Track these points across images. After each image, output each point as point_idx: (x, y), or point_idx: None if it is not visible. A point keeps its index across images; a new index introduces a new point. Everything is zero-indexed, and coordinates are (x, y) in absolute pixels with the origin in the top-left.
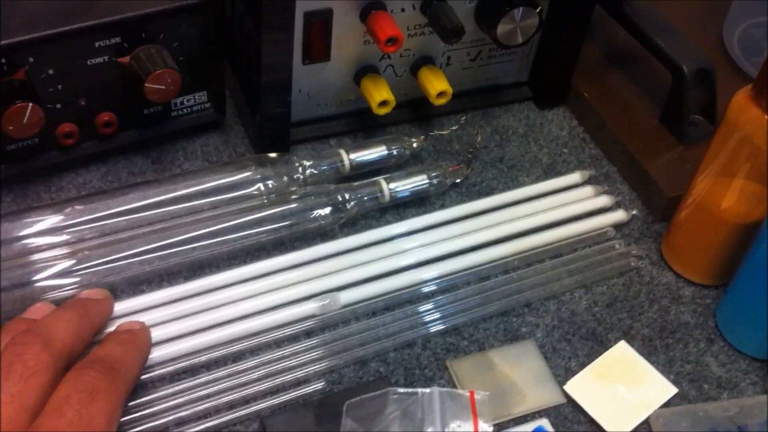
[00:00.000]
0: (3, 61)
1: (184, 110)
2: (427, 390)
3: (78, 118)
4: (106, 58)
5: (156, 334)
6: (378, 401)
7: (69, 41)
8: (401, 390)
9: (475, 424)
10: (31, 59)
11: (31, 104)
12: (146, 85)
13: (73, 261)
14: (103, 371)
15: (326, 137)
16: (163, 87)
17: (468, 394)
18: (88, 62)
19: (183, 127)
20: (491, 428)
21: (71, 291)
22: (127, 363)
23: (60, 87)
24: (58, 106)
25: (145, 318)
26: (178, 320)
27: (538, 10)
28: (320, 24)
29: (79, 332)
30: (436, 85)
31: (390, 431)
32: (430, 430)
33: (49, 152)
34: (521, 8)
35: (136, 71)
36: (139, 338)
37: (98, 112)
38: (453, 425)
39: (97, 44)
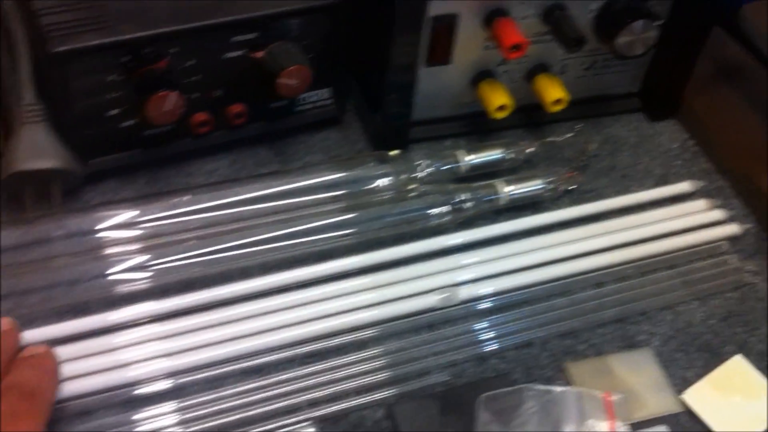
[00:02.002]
0: (149, 50)
1: (308, 105)
2: (563, 389)
3: (212, 108)
4: (241, 52)
5: (286, 317)
6: (515, 396)
7: (209, 35)
8: (538, 387)
9: (612, 425)
10: (174, 50)
11: (174, 92)
12: (279, 80)
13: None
14: (22, 395)
15: (440, 138)
16: (295, 82)
17: (602, 395)
18: (225, 55)
19: (306, 121)
20: (627, 429)
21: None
22: (42, 386)
23: (198, 78)
24: (195, 95)
25: (288, 298)
26: (306, 305)
27: (658, 23)
28: (446, 28)
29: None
30: (553, 92)
31: (528, 427)
32: (567, 428)
33: (183, 139)
34: (642, 21)
35: (270, 66)
36: (48, 361)
37: (230, 104)
38: (589, 424)
39: (234, 39)
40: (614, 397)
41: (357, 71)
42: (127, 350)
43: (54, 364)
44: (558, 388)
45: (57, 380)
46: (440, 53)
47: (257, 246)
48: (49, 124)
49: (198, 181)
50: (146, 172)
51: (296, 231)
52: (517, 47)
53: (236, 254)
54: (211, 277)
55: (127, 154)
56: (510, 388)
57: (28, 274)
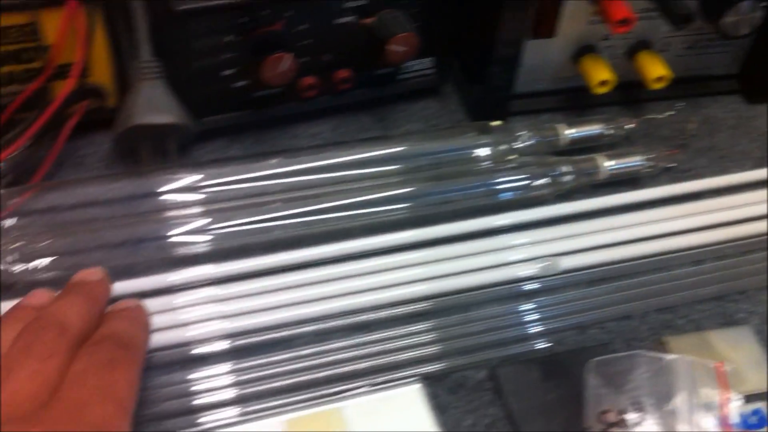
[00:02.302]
0: (266, 12)
1: (411, 74)
2: (674, 356)
3: (319, 72)
4: (352, 18)
5: (404, 274)
6: (627, 361)
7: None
8: (649, 353)
9: (726, 393)
10: (289, 13)
11: (288, 54)
12: (388, 46)
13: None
14: (117, 345)
15: (539, 112)
16: (403, 49)
17: (714, 364)
18: (337, 21)
19: (407, 90)
20: (741, 399)
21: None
22: (135, 338)
23: (309, 42)
24: (305, 59)
25: (380, 262)
26: (408, 268)
27: (766, 4)
28: (553, 1)
29: (89, 315)
30: (656, 69)
31: (640, 392)
32: (680, 396)
33: (290, 102)
34: (750, 0)
35: (379, 32)
36: (141, 314)
37: (337, 69)
38: (702, 393)
39: (346, 5)
40: (728, 367)
41: (458, 42)
42: (232, 302)
43: (146, 317)
44: (669, 356)
45: (149, 332)
46: (546, 26)
47: (354, 210)
48: (165, 81)
49: (302, 144)
50: (253, 133)
51: (395, 195)
52: (625, 22)
53: (336, 216)
54: (303, 238)
55: (237, 114)
56: (622, 354)
57: (133, 225)
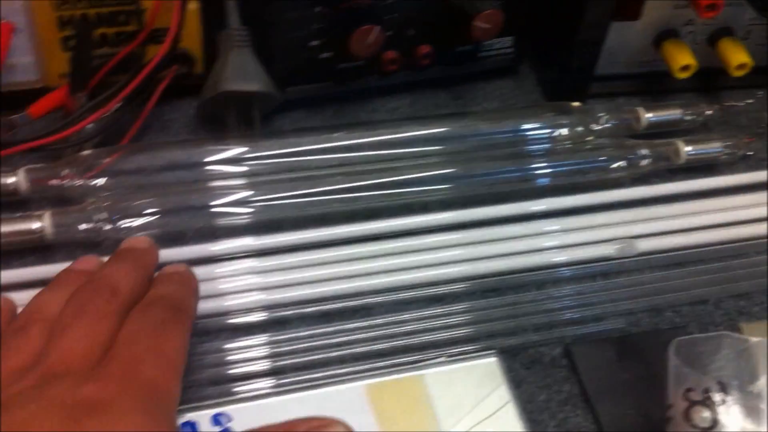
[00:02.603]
0: None
1: (491, 52)
2: (760, 339)
3: (402, 47)
4: None
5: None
6: (712, 342)
7: None
8: (735, 335)
9: None
10: None
11: (377, 27)
12: (473, 23)
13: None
14: (168, 307)
15: (615, 95)
16: (487, 26)
17: None
18: None
19: (486, 68)
20: None
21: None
22: (185, 301)
23: (395, 16)
24: (390, 33)
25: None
26: (482, 244)
27: None
28: None
29: (138, 281)
30: (739, 56)
31: (724, 372)
32: (763, 378)
33: (371, 75)
34: None
35: (466, 8)
36: (190, 278)
37: (420, 44)
38: None
39: None
40: None
41: (538, 22)
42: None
43: (195, 281)
44: (755, 338)
45: (198, 297)
46: (631, 9)
47: (432, 185)
48: (253, 50)
49: (380, 117)
50: (333, 105)
51: (471, 172)
52: (712, 7)
53: (415, 191)
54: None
55: (320, 85)
56: (706, 334)
57: (217, 190)
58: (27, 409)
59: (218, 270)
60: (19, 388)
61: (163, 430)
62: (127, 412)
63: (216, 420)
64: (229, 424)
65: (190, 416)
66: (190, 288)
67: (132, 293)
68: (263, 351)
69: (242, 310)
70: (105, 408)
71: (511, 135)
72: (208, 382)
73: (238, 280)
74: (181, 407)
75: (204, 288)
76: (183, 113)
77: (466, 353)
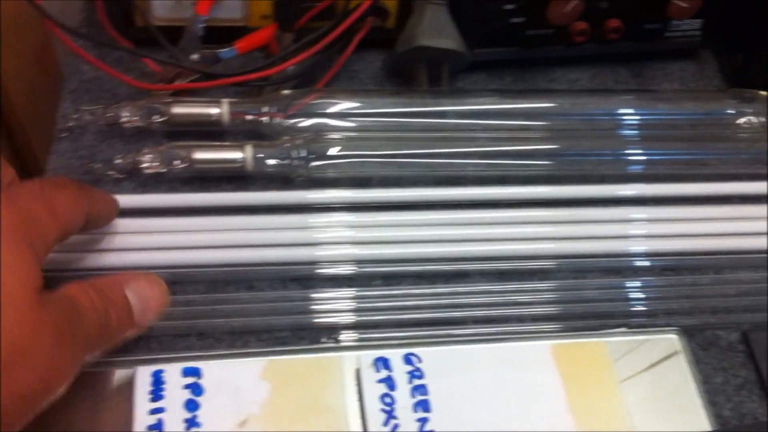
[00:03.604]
0: None
1: (677, 33)
2: None
3: (593, 19)
4: None
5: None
6: None
7: None
8: None
9: None
10: None
11: None
12: (673, 0)
13: None
14: (73, 181)
15: None
16: (687, 5)
17: None
18: None
19: (670, 48)
20: None
21: None
22: (96, 194)
23: None
24: (585, 3)
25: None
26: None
27: None
28: None
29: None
30: None
31: None
32: None
33: (557, 45)
34: None
35: None
36: (111, 196)
37: (610, 18)
38: None
39: None
40: None
41: (728, 7)
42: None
43: (113, 202)
44: None
45: (111, 211)
46: None
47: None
48: (447, 9)
49: (560, 88)
50: (514, 71)
51: (651, 150)
52: None
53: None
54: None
55: (506, 49)
56: None
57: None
58: None
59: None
60: None
61: (27, 262)
62: None
63: (407, 359)
64: (419, 365)
65: (383, 352)
66: (102, 196)
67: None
68: (444, 300)
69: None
70: None
71: (693, 117)
72: (394, 324)
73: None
74: (374, 343)
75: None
76: (369, 64)
77: (645, 326)
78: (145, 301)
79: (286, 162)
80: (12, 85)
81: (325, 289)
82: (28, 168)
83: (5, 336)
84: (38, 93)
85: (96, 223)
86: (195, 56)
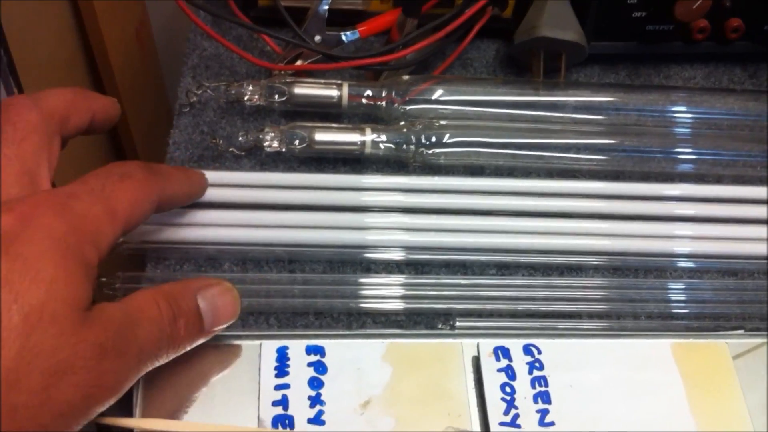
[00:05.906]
0: None
1: None
2: None
3: (715, 17)
4: None
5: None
6: None
7: None
8: None
9: None
10: None
11: None
12: None
13: None
14: (144, 166)
15: None
16: None
17: None
18: None
19: None
20: None
21: None
22: (172, 176)
23: None
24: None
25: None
26: None
27: None
28: None
29: (73, 101)
30: None
31: None
32: None
33: (675, 41)
34: None
35: None
36: (194, 174)
37: (732, 17)
38: None
39: None
40: None
41: None
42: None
43: (198, 180)
44: None
45: (193, 193)
46: None
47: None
48: (569, 0)
49: (674, 84)
50: (627, 66)
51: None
52: None
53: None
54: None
55: (624, 43)
56: None
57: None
58: None
59: None
60: None
61: (72, 278)
62: (35, 252)
63: (527, 350)
64: (539, 356)
65: (502, 342)
66: (184, 173)
67: (60, 108)
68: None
69: None
70: (10, 241)
71: None
72: (508, 314)
73: None
74: (490, 332)
75: None
76: (482, 53)
77: (762, 329)
78: (217, 309)
79: (402, 147)
80: (115, 59)
81: (439, 276)
82: (121, 145)
83: (46, 358)
84: (137, 68)
85: (173, 204)
86: (318, 38)
